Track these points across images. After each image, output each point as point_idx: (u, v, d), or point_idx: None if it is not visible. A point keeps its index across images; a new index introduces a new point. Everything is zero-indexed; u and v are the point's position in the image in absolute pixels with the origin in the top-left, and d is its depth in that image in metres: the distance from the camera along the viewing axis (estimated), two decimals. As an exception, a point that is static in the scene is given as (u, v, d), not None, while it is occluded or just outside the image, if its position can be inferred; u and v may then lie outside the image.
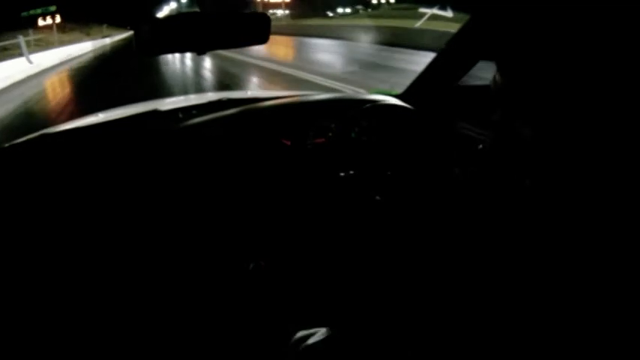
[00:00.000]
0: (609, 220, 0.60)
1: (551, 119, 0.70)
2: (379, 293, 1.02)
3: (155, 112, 1.22)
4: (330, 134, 1.12)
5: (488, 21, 0.97)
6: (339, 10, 35.43)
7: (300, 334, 0.74)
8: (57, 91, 8.75)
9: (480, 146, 0.93)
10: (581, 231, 0.62)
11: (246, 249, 1.02)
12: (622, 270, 0.56)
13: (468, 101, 1.13)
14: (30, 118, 5.68)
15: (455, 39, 1.13)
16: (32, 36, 16.62)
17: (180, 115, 1.17)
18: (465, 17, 1.18)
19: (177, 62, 11.14)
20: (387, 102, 1.16)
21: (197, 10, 1.14)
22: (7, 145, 1.06)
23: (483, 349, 0.66)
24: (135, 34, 0.90)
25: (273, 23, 1.05)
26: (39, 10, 19.87)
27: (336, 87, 6.55)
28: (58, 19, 20.27)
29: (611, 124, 0.61)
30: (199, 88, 7.36)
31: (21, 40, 12.57)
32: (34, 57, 12.37)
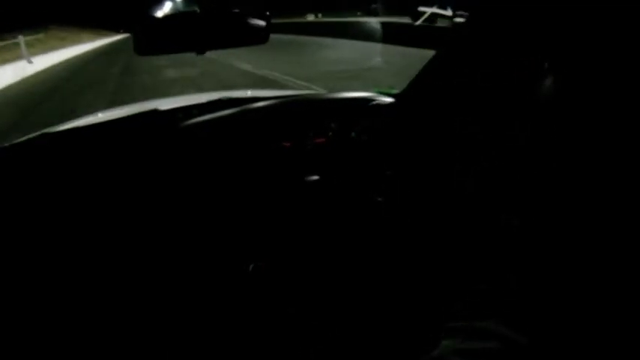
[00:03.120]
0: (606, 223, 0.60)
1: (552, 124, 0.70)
2: (378, 294, 1.01)
3: (155, 112, 1.22)
4: (330, 134, 1.11)
5: (488, 20, 0.97)
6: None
7: None
8: None
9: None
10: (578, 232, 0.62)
11: (246, 250, 1.02)
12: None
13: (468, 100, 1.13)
14: None
15: (455, 37, 1.12)
16: None
17: (180, 115, 1.17)
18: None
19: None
20: (388, 101, 1.16)
21: (196, 9, 1.14)
22: (7, 144, 1.06)
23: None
24: (133, 34, 0.90)
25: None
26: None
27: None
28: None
29: (616, 128, 0.61)
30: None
31: None
32: None
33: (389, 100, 1.18)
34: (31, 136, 1.12)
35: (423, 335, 0.94)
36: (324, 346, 0.98)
